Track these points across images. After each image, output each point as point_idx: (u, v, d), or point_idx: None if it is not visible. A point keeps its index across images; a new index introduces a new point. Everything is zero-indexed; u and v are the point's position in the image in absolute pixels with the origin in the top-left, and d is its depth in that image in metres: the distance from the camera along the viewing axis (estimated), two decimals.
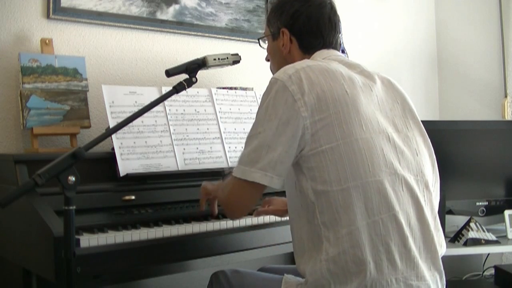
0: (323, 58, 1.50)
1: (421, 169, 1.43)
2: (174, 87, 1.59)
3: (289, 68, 1.39)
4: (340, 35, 1.62)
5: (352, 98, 1.37)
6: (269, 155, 1.32)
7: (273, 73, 1.65)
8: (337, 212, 1.31)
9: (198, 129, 2.02)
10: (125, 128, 1.75)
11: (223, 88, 2.24)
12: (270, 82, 1.39)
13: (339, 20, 1.59)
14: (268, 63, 1.69)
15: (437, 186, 1.53)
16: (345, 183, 1.31)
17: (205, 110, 2.06)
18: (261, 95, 1.41)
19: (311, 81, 1.35)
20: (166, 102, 1.95)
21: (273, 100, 1.35)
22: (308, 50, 1.55)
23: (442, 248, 1.44)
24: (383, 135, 1.38)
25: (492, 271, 2.83)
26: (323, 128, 1.33)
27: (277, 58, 1.61)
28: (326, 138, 1.32)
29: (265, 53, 1.69)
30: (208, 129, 2.04)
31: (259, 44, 1.73)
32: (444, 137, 2.60)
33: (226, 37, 2.60)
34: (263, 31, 1.69)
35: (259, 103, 1.44)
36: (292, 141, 1.33)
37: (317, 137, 1.33)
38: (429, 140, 1.52)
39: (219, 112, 2.09)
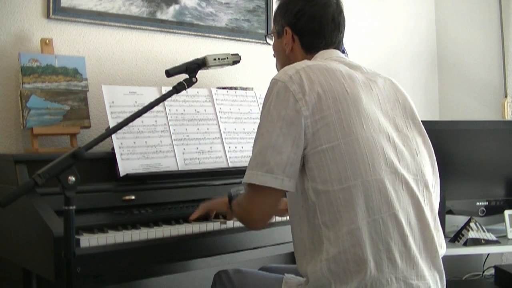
0: (325, 59, 1.50)
1: (421, 169, 1.43)
2: (174, 87, 1.59)
3: (289, 69, 1.39)
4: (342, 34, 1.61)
5: (353, 96, 1.37)
6: (276, 157, 1.30)
7: (278, 70, 1.65)
8: (338, 211, 1.30)
9: (198, 129, 2.02)
10: (125, 128, 1.75)
11: (223, 88, 2.24)
12: (270, 83, 1.39)
13: (343, 20, 1.58)
14: (275, 60, 1.69)
15: (437, 187, 1.52)
16: (345, 182, 1.30)
17: (205, 110, 2.06)
18: (261, 95, 1.41)
19: (311, 81, 1.35)
20: (166, 102, 1.95)
21: (275, 101, 1.35)
22: (310, 49, 1.55)
23: (442, 248, 1.44)
24: (384, 134, 1.38)
25: (492, 271, 2.82)
26: (323, 127, 1.32)
27: (281, 56, 1.62)
28: (327, 137, 1.32)
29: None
30: (208, 129, 2.04)
31: (266, 41, 1.73)
32: (444, 137, 2.60)
33: (226, 37, 2.60)
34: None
35: (259, 104, 1.43)
36: (299, 142, 1.32)
37: (318, 136, 1.32)
38: (429, 141, 1.51)
39: (219, 112, 2.09)
